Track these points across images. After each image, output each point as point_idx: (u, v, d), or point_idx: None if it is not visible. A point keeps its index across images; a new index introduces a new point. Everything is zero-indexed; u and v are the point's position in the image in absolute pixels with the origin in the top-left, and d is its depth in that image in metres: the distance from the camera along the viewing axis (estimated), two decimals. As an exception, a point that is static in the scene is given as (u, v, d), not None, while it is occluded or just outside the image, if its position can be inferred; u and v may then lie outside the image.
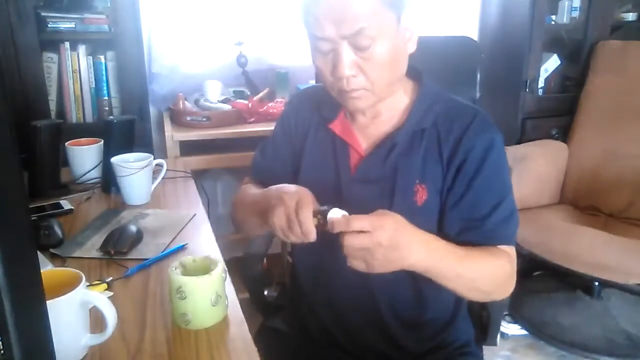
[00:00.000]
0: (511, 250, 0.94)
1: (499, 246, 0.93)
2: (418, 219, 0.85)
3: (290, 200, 0.83)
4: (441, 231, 0.95)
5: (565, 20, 2.40)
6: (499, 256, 0.92)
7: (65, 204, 1.30)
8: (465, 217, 0.93)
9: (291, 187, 0.87)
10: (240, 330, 0.83)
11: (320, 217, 0.82)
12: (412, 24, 0.91)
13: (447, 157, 0.95)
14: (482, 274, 0.90)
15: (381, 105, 0.97)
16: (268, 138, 1.16)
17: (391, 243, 0.78)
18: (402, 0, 0.88)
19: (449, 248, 0.87)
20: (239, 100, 2.09)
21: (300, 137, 1.09)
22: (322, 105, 1.04)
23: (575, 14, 2.39)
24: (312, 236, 0.83)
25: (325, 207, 0.82)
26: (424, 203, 0.95)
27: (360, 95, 0.92)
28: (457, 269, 0.87)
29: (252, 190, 1.07)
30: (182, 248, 1.08)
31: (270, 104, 2.05)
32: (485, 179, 0.93)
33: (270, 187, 0.94)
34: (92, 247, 1.09)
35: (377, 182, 0.98)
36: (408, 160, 0.96)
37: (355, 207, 0.81)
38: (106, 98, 1.96)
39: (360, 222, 0.78)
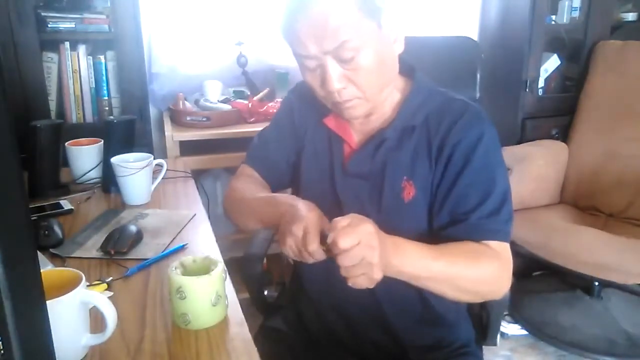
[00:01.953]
0: (499, 246, 0.89)
1: (485, 242, 0.89)
2: (405, 216, 0.84)
3: (298, 231, 0.80)
4: (430, 228, 0.94)
5: (565, 20, 2.40)
6: (482, 253, 0.88)
7: (65, 204, 1.30)
8: (452, 211, 0.92)
9: (300, 211, 0.82)
10: (240, 330, 0.83)
11: (327, 245, 0.78)
12: (395, 25, 0.91)
13: (435, 153, 0.94)
14: (462, 272, 0.85)
15: None
16: (268, 126, 1.14)
17: (380, 242, 0.76)
18: (379, 6, 0.87)
19: (420, 248, 0.84)
20: (239, 100, 2.09)
21: (301, 127, 1.09)
22: (317, 100, 1.04)
23: (575, 14, 2.39)
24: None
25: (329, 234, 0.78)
26: (411, 200, 0.94)
27: (354, 105, 0.92)
28: (432, 268, 0.83)
29: (251, 190, 1.05)
30: (182, 248, 1.08)
31: (270, 104, 2.05)
32: (473, 172, 0.91)
33: (277, 195, 0.95)
34: (92, 247, 1.09)
35: (367, 177, 0.98)
36: (397, 156, 0.96)
37: (349, 202, 0.80)
38: (106, 98, 1.96)
39: (348, 239, 0.74)
